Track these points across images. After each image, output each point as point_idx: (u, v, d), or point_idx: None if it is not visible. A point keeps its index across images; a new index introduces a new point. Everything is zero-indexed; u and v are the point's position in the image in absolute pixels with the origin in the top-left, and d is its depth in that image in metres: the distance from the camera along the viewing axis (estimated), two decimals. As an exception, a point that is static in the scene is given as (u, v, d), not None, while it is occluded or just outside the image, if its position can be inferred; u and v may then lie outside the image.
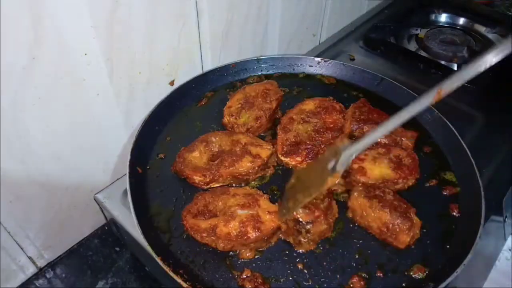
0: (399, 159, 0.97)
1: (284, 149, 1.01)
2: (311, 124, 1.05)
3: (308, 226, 0.84)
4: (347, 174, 0.97)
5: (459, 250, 0.85)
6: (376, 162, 0.96)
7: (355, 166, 0.95)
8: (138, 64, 1.01)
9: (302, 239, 0.85)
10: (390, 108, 1.18)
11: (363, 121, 1.05)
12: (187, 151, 0.99)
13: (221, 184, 0.97)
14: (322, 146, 1.01)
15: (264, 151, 0.98)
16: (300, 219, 0.84)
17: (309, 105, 1.10)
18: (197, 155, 0.99)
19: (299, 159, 1.00)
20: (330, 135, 1.03)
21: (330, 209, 0.88)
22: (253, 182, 0.99)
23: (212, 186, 0.97)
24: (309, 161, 1.00)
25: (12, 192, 0.89)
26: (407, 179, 0.95)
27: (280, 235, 0.88)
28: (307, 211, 0.84)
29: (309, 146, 1.00)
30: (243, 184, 0.98)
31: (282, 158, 1.01)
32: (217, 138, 1.01)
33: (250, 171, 0.96)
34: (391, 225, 0.85)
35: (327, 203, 0.87)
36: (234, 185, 0.98)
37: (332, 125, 1.05)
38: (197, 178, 0.95)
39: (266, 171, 1.00)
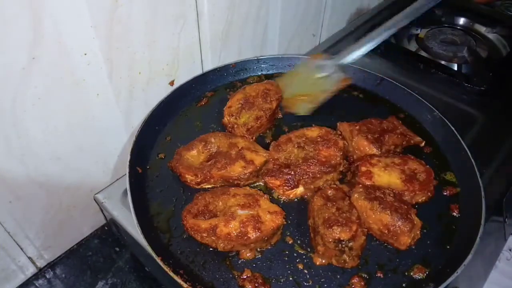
0: (414, 172, 0.95)
1: (268, 167, 0.97)
2: (304, 151, 0.99)
3: (351, 243, 0.82)
4: (353, 174, 0.97)
5: (460, 250, 0.85)
6: (387, 170, 0.95)
7: (363, 169, 0.95)
8: (138, 64, 1.01)
9: (347, 258, 0.83)
10: (390, 108, 1.19)
11: (379, 139, 1.02)
12: (185, 149, 1.00)
13: (212, 185, 0.97)
14: (305, 177, 0.95)
15: (259, 157, 0.97)
16: (340, 238, 0.81)
17: (314, 132, 1.03)
18: (194, 154, 0.99)
19: (277, 182, 0.95)
20: (316, 169, 0.95)
21: (359, 219, 0.87)
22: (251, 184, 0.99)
23: (204, 186, 0.97)
24: (286, 188, 0.95)
25: (12, 192, 0.89)
26: (415, 193, 0.92)
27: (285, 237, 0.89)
28: (345, 227, 0.82)
29: (291, 173, 0.95)
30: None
31: (262, 176, 0.97)
32: (216, 139, 1.01)
33: (241, 176, 0.94)
34: (392, 227, 0.85)
35: (356, 213, 0.86)
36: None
37: (324, 159, 0.97)
38: (188, 177, 0.96)
39: (258, 179, 0.98)
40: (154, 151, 1.05)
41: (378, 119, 1.08)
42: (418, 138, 1.08)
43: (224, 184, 0.97)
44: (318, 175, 0.95)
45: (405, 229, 0.84)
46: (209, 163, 0.96)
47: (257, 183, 0.99)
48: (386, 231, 0.85)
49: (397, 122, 1.09)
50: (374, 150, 1.00)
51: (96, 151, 1.03)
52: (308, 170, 0.95)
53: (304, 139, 1.01)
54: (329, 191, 0.92)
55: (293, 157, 0.98)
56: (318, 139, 1.01)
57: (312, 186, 0.96)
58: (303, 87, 1.15)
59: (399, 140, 1.04)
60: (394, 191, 0.91)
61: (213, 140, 1.01)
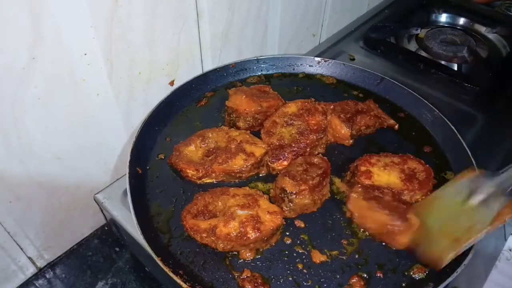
0: (413, 172, 0.95)
1: (271, 154, 1.00)
2: (295, 127, 1.04)
3: (292, 197, 0.89)
4: (352, 174, 0.97)
5: (459, 250, 0.84)
6: (386, 169, 0.95)
7: (363, 168, 0.95)
8: (138, 64, 1.01)
9: (284, 207, 0.90)
10: (390, 108, 1.19)
11: (351, 119, 1.07)
12: (183, 145, 1.01)
13: (214, 180, 0.98)
14: (308, 149, 1.01)
15: (259, 149, 0.98)
16: (286, 188, 0.88)
17: (292, 107, 1.09)
18: (192, 149, 1.00)
19: (285, 163, 0.99)
20: (314, 136, 1.02)
21: (319, 187, 0.91)
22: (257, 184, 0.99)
23: (205, 181, 0.98)
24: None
25: (12, 192, 0.89)
26: (414, 192, 0.92)
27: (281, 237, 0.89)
28: (295, 182, 0.89)
29: (294, 149, 1.00)
30: (237, 181, 0.98)
31: (269, 164, 1.00)
32: (213, 134, 1.02)
33: (243, 168, 0.96)
34: (389, 226, 0.85)
35: (317, 181, 0.90)
36: (231, 181, 0.99)
37: (315, 127, 1.04)
38: (190, 172, 0.96)
39: (260, 169, 1.00)
40: (154, 151, 1.05)
41: (355, 101, 1.13)
42: (392, 121, 1.12)
43: (225, 178, 0.98)
44: (317, 142, 1.03)
45: (402, 228, 0.84)
46: (210, 158, 0.97)
47: (258, 182, 0.99)
48: (384, 231, 0.85)
49: (374, 105, 1.14)
50: (345, 129, 1.05)
51: (96, 151, 1.04)
52: (307, 141, 1.01)
53: (287, 117, 1.07)
54: (315, 159, 0.97)
55: (286, 135, 1.03)
56: (301, 111, 1.07)
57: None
58: (446, 219, 0.82)
59: (372, 121, 1.09)
60: (393, 190, 0.91)
61: (210, 135, 1.02)
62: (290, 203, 0.90)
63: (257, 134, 1.06)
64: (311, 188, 0.90)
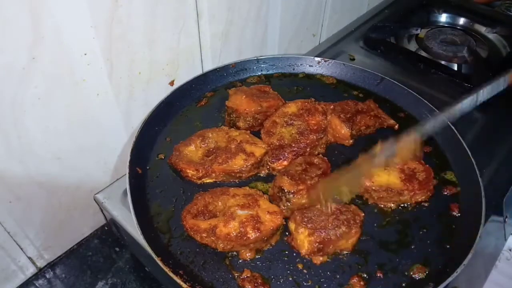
0: (413, 172, 0.96)
1: (271, 154, 1.01)
2: (295, 127, 1.04)
3: (289, 196, 0.89)
4: None
5: (459, 250, 0.85)
6: (386, 169, 0.95)
7: None
8: (138, 64, 1.01)
9: (282, 206, 0.90)
10: (390, 108, 1.19)
11: (351, 119, 1.07)
12: (183, 145, 1.01)
13: (214, 180, 0.98)
14: (308, 149, 1.01)
15: (259, 149, 0.98)
16: (283, 187, 0.89)
17: (292, 107, 1.09)
18: (192, 149, 1.00)
19: (285, 163, 0.99)
20: (314, 136, 1.02)
21: (314, 190, 0.90)
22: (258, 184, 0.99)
23: (205, 181, 0.98)
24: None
25: (11, 192, 0.89)
26: (414, 193, 0.93)
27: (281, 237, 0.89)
28: (293, 182, 0.90)
29: (294, 149, 1.00)
30: (237, 181, 0.99)
31: (269, 164, 1.00)
32: (213, 134, 1.02)
33: (243, 168, 0.96)
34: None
35: (315, 182, 0.91)
36: (231, 181, 0.99)
37: (315, 127, 1.04)
38: (190, 172, 0.97)
39: (260, 169, 1.00)
40: (154, 151, 1.05)
41: (355, 101, 1.13)
42: (392, 121, 1.12)
43: (225, 178, 0.98)
44: (317, 142, 1.03)
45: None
46: (210, 158, 0.98)
47: (257, 182, 0.99)
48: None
49: (374, 105, 1.14)
50: (345, 129, 1.05)
51: (96, 151, 1.04)
52: (307, 141, 1.01)
53: (287, 117, 1.07)
54: (315, 160, 0.97)
55: (286, 135, 1.03)
56: (301, 111, 1.08)
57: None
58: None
59: (371, 121, 1.09)
60: (393, 191, 0.92)
61: (210, 135, 1.02)
62: (287, 202, 0.90)
63: (257, 134, 1.06)
64: (309, 188, 0.90)
